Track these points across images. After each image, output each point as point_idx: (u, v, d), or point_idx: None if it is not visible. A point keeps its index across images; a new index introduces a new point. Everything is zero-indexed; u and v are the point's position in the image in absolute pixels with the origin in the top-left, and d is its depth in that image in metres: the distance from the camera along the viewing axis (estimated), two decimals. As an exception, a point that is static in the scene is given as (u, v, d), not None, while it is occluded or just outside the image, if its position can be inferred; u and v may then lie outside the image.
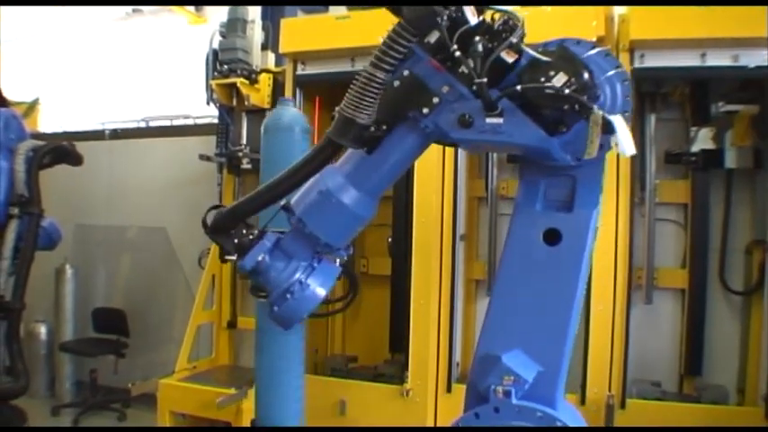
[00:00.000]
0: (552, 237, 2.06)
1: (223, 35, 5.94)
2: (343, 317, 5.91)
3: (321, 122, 5.75)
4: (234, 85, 5.77)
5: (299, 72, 5.45)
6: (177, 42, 9.32)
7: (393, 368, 5.36)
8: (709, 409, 4.38)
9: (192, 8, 9.41)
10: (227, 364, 6.27)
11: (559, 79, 1.79)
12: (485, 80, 1.82)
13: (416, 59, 1.93)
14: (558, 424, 1.97)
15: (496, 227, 5.23)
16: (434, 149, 2.48)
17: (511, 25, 1.88)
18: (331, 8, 6.50)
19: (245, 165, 5.95)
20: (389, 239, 5.34)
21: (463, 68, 1.86)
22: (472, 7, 1.88)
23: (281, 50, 5.59)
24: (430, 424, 4.97)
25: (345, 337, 6.08)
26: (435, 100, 1.93)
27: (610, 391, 4.41)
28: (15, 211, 4.46)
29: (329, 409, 5.13)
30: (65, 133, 8.30)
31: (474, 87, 1.85)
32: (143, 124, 8.11)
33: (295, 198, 2.17)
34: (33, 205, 4.51)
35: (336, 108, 1.97)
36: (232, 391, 5.08)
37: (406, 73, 1.95)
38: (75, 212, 7.42)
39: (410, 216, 4.99)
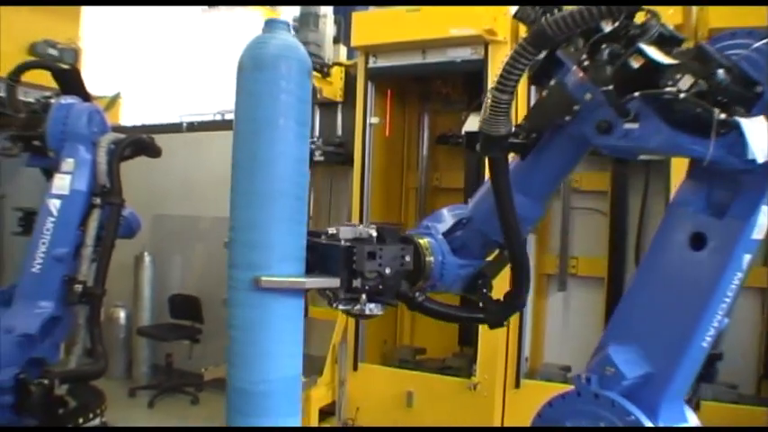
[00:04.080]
0: (698, 241, 1.99)
1: (296, 29, 6.01)
2: (408, 314, 5.95)
3: (393, 115, 5.78)
4: (307, 78, 5.84)
5: (371, 65, 5.49)
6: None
7: (461, 361, 5.36)
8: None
9: (265, 3, 9.56)
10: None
11: (685, 82, 1.76)
12: (610, 88, 1.87)
13: (564, 70, 2.03)
14: (631, 419, 1.93)
15: (568, 220, 5.16)
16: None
17: (647, 26, 1.91)
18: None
19: (318, 157, 6.03)
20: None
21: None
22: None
23: (352, 44, 5.64)
24: (497, 419, 4.95)
25: (414, 328, 6.10)
26: (576, 107, 1.99)
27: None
28: (98, 201, 4.61)
29: (397, 400, 5.17)
30: (144, 126, 8.54)
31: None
32: (218, 117, 8.30)
33: (471, 209, 2.38)
34: (115, 195, 4.64)
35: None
36: (303, 379, 5.15)
37: (552, 83, 2.06)
38: (152, 203, 7.64)
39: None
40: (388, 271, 2.02)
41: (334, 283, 2.00)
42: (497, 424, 4.96)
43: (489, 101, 1.95)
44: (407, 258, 2.08)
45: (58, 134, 4.61)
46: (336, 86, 6.11)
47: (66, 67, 5.50)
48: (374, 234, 2.07)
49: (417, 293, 2.17)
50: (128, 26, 10.70)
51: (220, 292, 7.19)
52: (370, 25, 5.44)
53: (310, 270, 2.03)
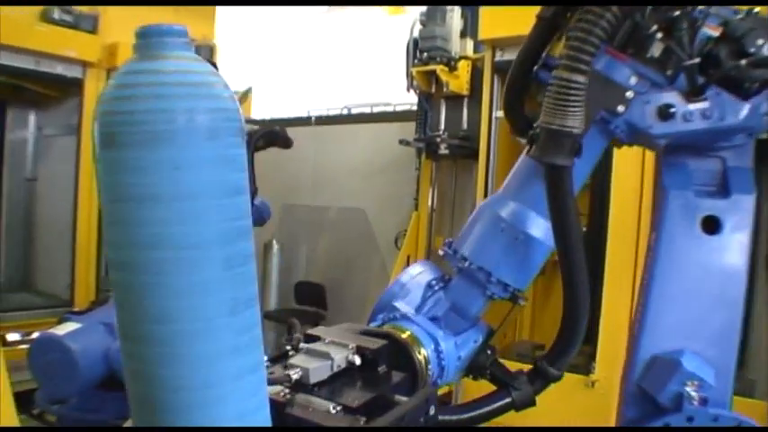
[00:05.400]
0: (710, 225, 1.87)
1: (423, 24, 6.12)
2: (533, 304, 5.92)
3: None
4: (433, 72, 5.95)
5: (498, 58, 5.51)
6: (377, 32, 9.69)
7: (580, 359, 5.29)
8: None
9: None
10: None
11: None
12: (697, 61, 1.64)
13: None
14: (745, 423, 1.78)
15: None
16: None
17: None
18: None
19: (443, 150, 6.11)
20: (584, 229, 5.27)
21: (652, 52, 1.67)
22: None
23: (479, 37, 5.68)
24: (614, 418, 4.88)
25: (535, 324, 6.08)
26: (629, 94, 1.70)
27: None
28: (232, 188, 4.87)
29: (514, 394, 5.17)
30: (274, 120, 8.89)
31: (669, 72, 1.68)
32: (345, 111, 8.55)
33: (466, 245, 1.88)
34: (249, 184, 4.91)
35: (535, 125, 1.67)
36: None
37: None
38: (282, 193, 7.91)
39: (607, 206, 4.91)
40: None
41: None
42: (614, 423, 4.88)
43: (555, 86, 1.57)
44: (432, 410, 1.54)
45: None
46: (463, 80, 6.17)
47: (206, 60, 5.83)
48: (357, 361, 1.54)
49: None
50: (258, 25, 11.16)
51: (344, 281, 7.51)
52: (498, 19, 5.46)
53: None
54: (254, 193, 5.02)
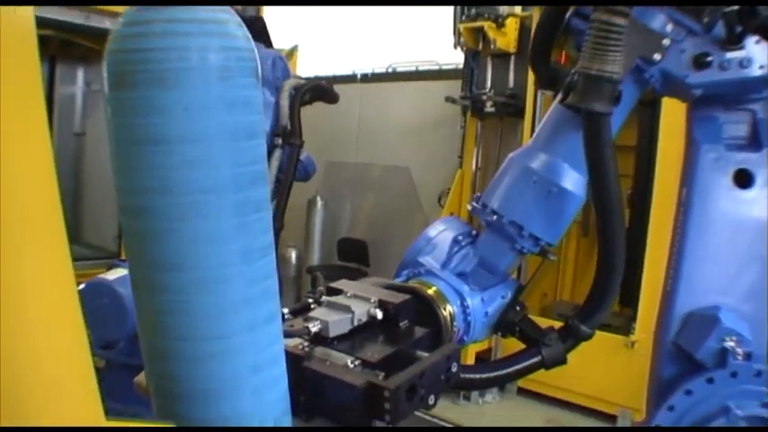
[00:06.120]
0: (743, 179, 1.82)
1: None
2: (576, 264, 5.88)
3: (566, 66, 5.67)
4: (481, 28, 5.87)
5: (546, 16, 5.40)
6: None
7: (620, 320, 5.27)
8: None
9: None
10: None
11: None
12: (735, 8, 1.58)
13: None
14: None
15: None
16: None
17: None
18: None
19: (489, 108, 6.05)
20: (629, 191, 5.19)
21: None
22: None
23: (527, -6, 5.57)
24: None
25: (576, 284, 6.05)
26: (665, 42, 1.63)
27: None
28: (279, 141, 4.92)
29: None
30: (319, 78, 8.88)
31: (705, 20, 1.61)
32: (390, 70, 8.48)
33: (495, 199, 1.83)
34: (295, 137, 4.95)
35: (573, 71, 1.60)
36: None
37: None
38: (327, 150, 7.95)
39: (653, 167, 4.81)
40: (432, 400, 1.36)
41: None
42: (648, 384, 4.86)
43: (595, 29, 1.50)
44: (454, 368, 1.44)
45: (244, 77, 4.95)
46: (510, 38, 6.06)
47: (255, 15, 5.85)
48: (379, 316, 1.50)
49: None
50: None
51: (387, 238, 7.54)
52: (548, -26, 5.34)
53: (300, 410, 1.30)
54: (300, 146, 5.07)
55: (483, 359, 5.59)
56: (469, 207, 1.93)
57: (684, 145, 1.94)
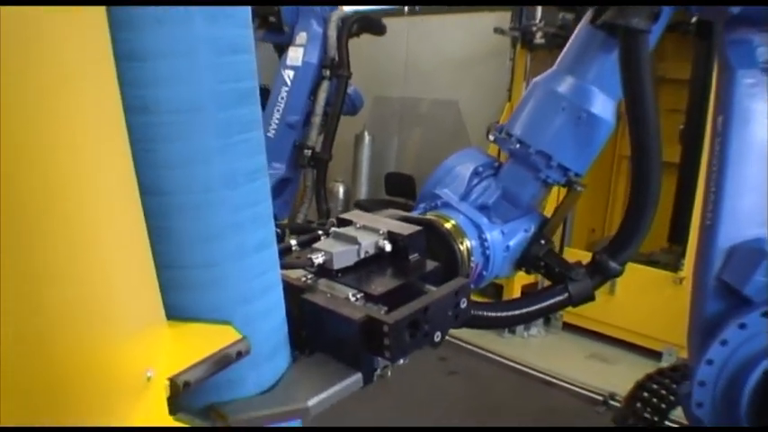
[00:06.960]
0: None
1: None
2: (625, 199, 5.81)
3: None
4: (531, -43, 5.70)
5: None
6: None
7: (669, 257, 5.23)
8: None
9: None
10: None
11: None
12: None
13: None
14: None
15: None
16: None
17: None
18: None
19: (539, 39, 5.90)
20: (681, 126, 5.07)
21: None
22: None
23: None
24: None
25: (624, 220, 5.99)
26: None
27: None
28: (327, 72, 4.93)
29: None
30: (366, 11, 8.77)
31: None
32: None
33: (519, 126, 1.77)
34: (342, 68, 4.96)
35: None
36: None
37: None
38: (375, 85, 7.89)
39: (706, 101, 4.68)
40: (438, 338, 1.28)
41: (354, 385, 1.21)
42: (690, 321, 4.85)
43: None
44: (463, 303, 1.34)
45: (292, 10, 4.94)
46: (562, -34, 5.88)
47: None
48: (388, 248, 1.43)
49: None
50: None
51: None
52: None
53: (302, 345, 1.27)
54: (348, 78, 5.07)
55: (527, 293, 5.61)
56: (491, 137, 1.87)
57: (718, 71, 1.86)
